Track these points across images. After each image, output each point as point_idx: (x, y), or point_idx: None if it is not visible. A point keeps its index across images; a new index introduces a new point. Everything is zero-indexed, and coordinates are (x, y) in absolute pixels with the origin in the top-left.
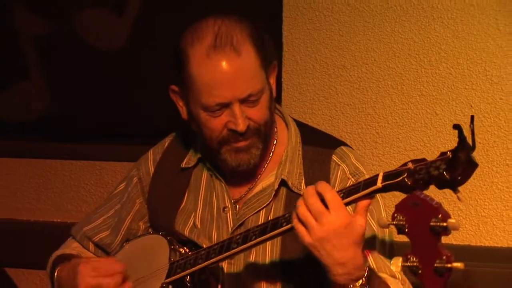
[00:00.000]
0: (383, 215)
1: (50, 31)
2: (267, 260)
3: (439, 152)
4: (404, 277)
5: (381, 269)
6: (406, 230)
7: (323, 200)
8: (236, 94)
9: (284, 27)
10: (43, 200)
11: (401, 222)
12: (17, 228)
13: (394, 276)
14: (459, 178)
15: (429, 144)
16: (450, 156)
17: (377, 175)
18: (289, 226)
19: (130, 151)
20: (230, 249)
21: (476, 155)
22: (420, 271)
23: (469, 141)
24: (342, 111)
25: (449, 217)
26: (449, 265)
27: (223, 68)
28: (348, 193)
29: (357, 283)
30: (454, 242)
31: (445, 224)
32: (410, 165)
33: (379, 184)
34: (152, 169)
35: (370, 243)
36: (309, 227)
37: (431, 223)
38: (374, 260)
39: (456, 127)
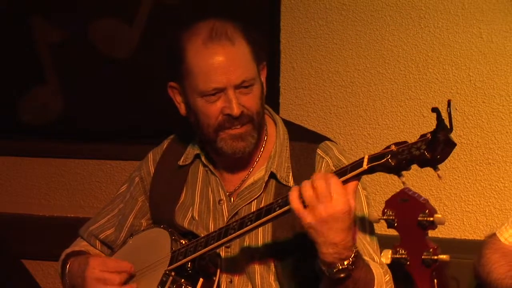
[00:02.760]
0: (363, 202)
1: (66, 39)
2: (260, 245)
3: None
4: (382, 261)
5: (363, 252)
6: (395, 224)
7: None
8: (231, 80)
9: (281, 36)
10: (57, 196)
11: (391, 217)
12: (33, 222)
13: (372, 259)
14: (438, 156)
15: None
16: (430, 137)
17: (362, 158)
18: (282, 210)
19: (139, 151)
20: (227, 235)
21: (461, 155)
22: (408, 263)
23: (447, 123)
24: (336, 113)
25: (436, 212)
26: (435, 257)
27: (219, 55)
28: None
29: (345, 262)
30: (440, 236)
31: (431, 218)
32: (393, 147)
33: (364, 166)
34: (152, 169)
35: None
36: (312, 208)
37: (419, 218)
38: (357, 243)
39: (435, 110)
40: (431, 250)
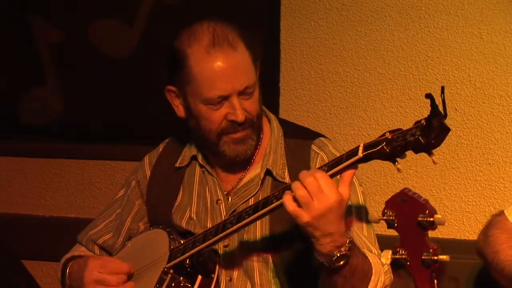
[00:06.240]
0: (359, 196)
1: (66, 39)
2: (258, 239)
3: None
4: (380, 252)
5: (360, 245)
6: (395, 224)
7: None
8: (235, 87)
9: (281, 36)
10: (57, 197)
11: (391, 218)
12: (33, 223)
13: (370, 251)
14: (433, 141)
15: None
16: (424, 123)
17: (358, 147)
18: (279, 202)
19: (139, 151)
20: (225, 229)
21: (461, 155)
22: (408, 263)
23: (441, 109)
24: (336, 114)
25: (436, 212)
26: (435, 257)
27: (222, 63)
28: (332, 166)
29: (341, 249)
30: (440, 236)
31: (431, 219)
32: (387, 134)
33: (360, 154)
34: (148, 172)
35: (347, 213)
36: (308, 206)
37: (419, 218)
38: (354, 236)
39: (428, 96)
40: (431, 250)
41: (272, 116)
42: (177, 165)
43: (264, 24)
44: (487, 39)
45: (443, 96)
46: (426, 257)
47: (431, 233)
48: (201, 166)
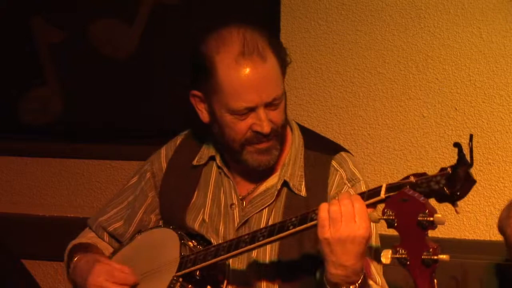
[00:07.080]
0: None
1: (66, 39)
2: (267, 261)
3: (426, 152)
4: (384, 283)
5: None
6: (395, 224)
7: None
8: (263, 98)
9: (281, 35)
10: (57, 196)
11: (391, 217)
12: (34, 222)
13: (375, 281)
14: (458, 193)
15: (417, 144)
16: (450, 171)
17: (380, 187)
18: (294, 230)
19: (139, 151)
20: (238, 248)
21: None
22: (408, 263)
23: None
24: (336, 113)
25: (435, 212)
26: (435, 257)
27: (251, 73)
28: None
29: (351, 287)
30: (440, 236)
31: (431, 218)
32: (412, 178)
33: (382, 195)
34: (164, 165)
35: None
36: (334, 224)
37: (419, 218)
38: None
39: (456, 145)
40: (431, 250)
41: (294, 125)
42: (194, 163)
43: (264, 24)
44: (487, 39)
45: (471, 144)
46: (426, 257)
47: (431, 233)
48: (218, 167)
